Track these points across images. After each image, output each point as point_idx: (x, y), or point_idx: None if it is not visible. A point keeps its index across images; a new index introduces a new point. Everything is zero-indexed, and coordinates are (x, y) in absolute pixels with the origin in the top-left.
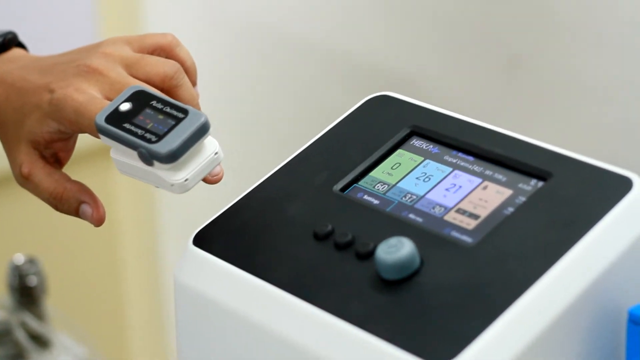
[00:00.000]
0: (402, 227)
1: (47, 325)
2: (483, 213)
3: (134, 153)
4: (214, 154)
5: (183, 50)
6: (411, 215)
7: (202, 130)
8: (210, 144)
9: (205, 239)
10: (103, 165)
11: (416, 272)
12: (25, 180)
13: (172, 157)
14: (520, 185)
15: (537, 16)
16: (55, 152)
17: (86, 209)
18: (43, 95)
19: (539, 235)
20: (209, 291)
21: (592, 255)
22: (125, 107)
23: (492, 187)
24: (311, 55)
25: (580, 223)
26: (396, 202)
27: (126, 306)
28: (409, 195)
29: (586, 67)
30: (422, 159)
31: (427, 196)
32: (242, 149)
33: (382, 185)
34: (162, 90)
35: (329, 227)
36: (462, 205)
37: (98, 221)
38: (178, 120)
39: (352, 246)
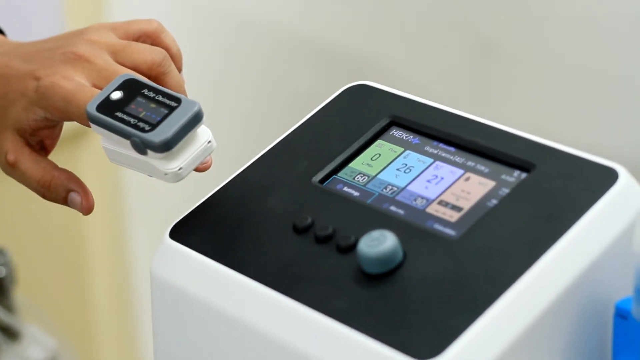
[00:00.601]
0: (383, 220)
1: (17, 317)
2: (466, 205)
3: (127, 142)
4: (207, 142)
5: (168, 37)
6: (392, 208)
7: (196, 119)
8: (203, 133)
9: (182, 232)
10: (69, 156)
11: (399, 266)
12: (11, 168)
13: (166, 146)
14: (503, 176)
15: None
16: (41, 139)
17: (75, 197)
18: (28, 82)
19: (523, 228)
20: (186, 285)
21: (578, 248)
22: (117, 95)
23: (474, 178)
24: (285, 43)
25: (566, 216)
26: (377, 194)
27: (95, 297)
28: (390, 187)
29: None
30: (403, 149)
31: (409, 188)
32: (217, 139)
33: (362, 176)
34: (149, 77)
35: (309, 220)
36: (444, 197)
37: (87, 209)
38: (171, 109)
39: (333, 239)
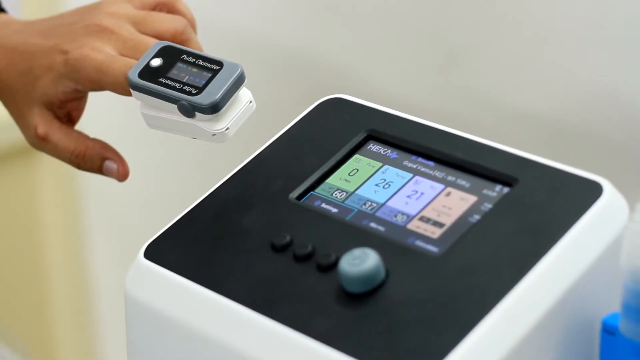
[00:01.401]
0: (364, 237)
1: None
2: (448, 221)
3: (172, 106)
4: (248, 102)
5: (182, 4)
6: (372, 224)
7: (240, 80)
8: (244, 94)
9: (157, 251)
10: (26, 166)
11: (381, 285)
12: (41, 142)
13: (215, 108)
14: (485, 191)
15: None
16: (68, 111)
17: (110, 165)
18: (55, 56)
19: (507, 244)
20: (162, 306)
21: (564, 264)
22: (157, 62)
23: (455, 193)
24: (256, 56)
25: (550, 231)
26: (356, 210)
27: (52, 308)
28: (369, 203)
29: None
30: (381, 164)
31: (388, 204)
32: (191, 155)
33: (340, 192)
34: None
35: (287, 238)
36: (425, 213)
37: (124, 176)
38: (214, 72)
39: (313, 258)
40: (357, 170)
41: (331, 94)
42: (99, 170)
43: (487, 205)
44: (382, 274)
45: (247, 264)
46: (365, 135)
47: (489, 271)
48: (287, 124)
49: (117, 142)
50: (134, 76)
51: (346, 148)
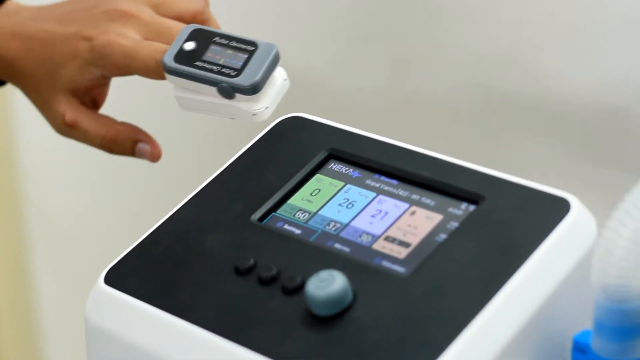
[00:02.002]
0: (329, 259)
1: None
2: (414, 240)
3: (210, 89)
4: (283, 80)
5: None
6: (337, 245)
7: (276, 60)
8: (278, 72)
9: (117, 277)
10: None
11: (349, 307)
12: (70, 129)
13: (256, 88)
14: (451, 209)
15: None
16: (93, 96)
17: (143, 147)
18: (78, 43)
19: (476, 263)
20: (124, 333)
21: (534, 282)
22: (190, 46)
23: (420, 212)
24: None
25: (519, 249)
26: (319, 231)
27: None
28: (333, 224)
29: None
30: (343, 183)
31: (352, 224)
32: (149, 176)
33: (302, 213)
34: None
35: (251, 261)
36: (390, 233)
37: (157, 157)
38: (250, 53)
39: (278, 281)
40: (319, 190)
41: (289, 112)
42: (131, 153)
43: (454, 224)
44: (350, 296)
45: (211, 288)
46: (326, 154)
47: (458, 291)
48: (246, 144)
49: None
50: (170, 61)
51: (307, 168)
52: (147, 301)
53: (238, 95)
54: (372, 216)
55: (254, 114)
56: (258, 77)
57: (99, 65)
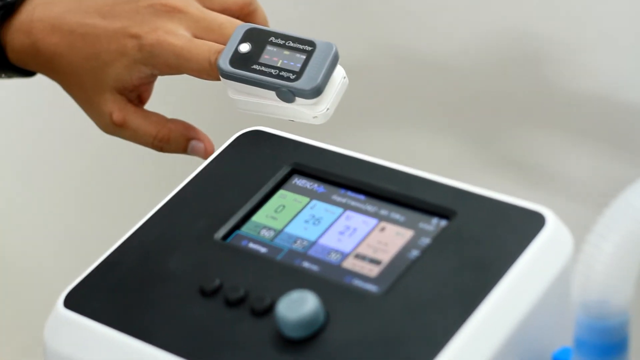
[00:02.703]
0: (298, 278)
1: None
2: (385, 258)
3: (269, 92)
4: (343, 78)
5: None
6: (305, 264)
7: (336, 59)
8: (337, 70)
9: (77, 300)
10: None
11: (322, 329)
12: (119, 128)
13: (317, 92)
14: (421, 225)
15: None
16: (139, 93)
17: (196, 144)
18: (125, 41)
19: (451, 280)
20: (85, 359)
21: (511, 300)
22: (245, 48)
23: (390, 228)
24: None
25: (495, 265)
26: (286, 249)
27: None
28: (300, 241)
29: None
30: (308, 199)
31: (320, 241)
32: (105, 195)
33: (267, 230)
34: (239, 18)
35: (217, 282)
36: (360, 250)
37: (210, 154)
38: (308, 54)
39: (246, 302)
40: (284, 206)
41: (245, 125)
42: (184, 151)
43: (425, 240)
44: (322, 317)
45: (176, 311)
46: (289, 169)
47: (434, 310)
48: (204, 160)
49: None
50: (225, 64)
51: (270, 183)
52: (110, 325)
53: (299, 99)
54: (341, 233)
55: (315, 117)
56: (319, 80)
57: (148, 64)
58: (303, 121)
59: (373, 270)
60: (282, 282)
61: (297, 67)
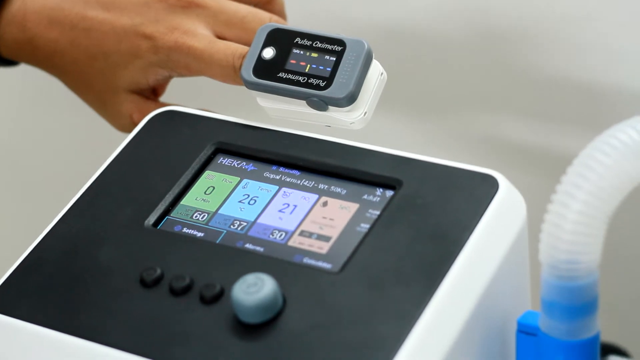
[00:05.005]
0: (244, 261)
1: None
2: (333, 233)
3: (299, 101)
4: (380, 74)
5: None
6: (248, 245)
7: (369, 59)
8: (373, 67)
9: (5, 301)
10: None
11: (280, 312)
12: None
13: (351, 99)
14: (366, 197)
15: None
16: (154, 88)
17: None
18: (139, 42)
19: (409, 253)
20: None
21: (475, 268)
22: (269, 53)
23: (333, 202)
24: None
25: (453, 233)
26: (224, 231)
27: None
28: (237, 223)
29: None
30: (239, 178)
31: (260, 221)
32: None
33: (200, 214)
34: (256, 6)
35: (158, 271)
36: (305, 227)
37: None
38: (338, 55)
39: (192, 290)
40: (214, 187)
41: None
42: None
43: (374, 212)
44: (281, 299)
45: (117, 305)
46: (213, 148)
47: (397, 284)
48: (116, 145)
49: None
50: (249, 75)
51: (195, 165)
52: (48, 325)
53: (332, 107)
54: (280, 211)
55: (352, 123)
56: (352, 86)
57: (166, 67)
58: (340, 127)
59: (323, 247)
60: (228, 267)
61: (326, 71)
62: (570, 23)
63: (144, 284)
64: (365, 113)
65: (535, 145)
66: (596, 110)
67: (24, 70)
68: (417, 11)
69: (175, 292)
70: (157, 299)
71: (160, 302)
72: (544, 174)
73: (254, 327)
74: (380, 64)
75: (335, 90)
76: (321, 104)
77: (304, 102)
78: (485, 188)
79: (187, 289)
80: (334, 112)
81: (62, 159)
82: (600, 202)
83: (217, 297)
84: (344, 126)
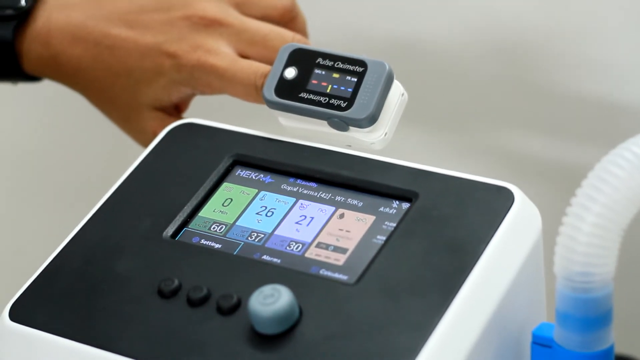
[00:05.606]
0: (261, 272)
1: None
2: (350, 245)
3: (320, 122)
4: (400, 95)
5: None
6: (265, 257)
7: (390, 80)
8: (394, 88)
9: (24, 311)
10: None
11: (297, 323)
12: None
13: (372, 120)
14: (382, 209)
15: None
16: (177, 105)
17: None
18: (161, 60)
19: (425, 264)
20: None
21: (490, 280)
22: (291, 73)
23: (349, 214)
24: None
25: (469, 245)
26: (242, 243)
27: None
28: (255, 234)
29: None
30: (256, 191)
31: (277, 233)
32: (30, 200)
33: (218, 225)
34: (279, 24)
35: (176, 282)
36: (322, 239)
37: None
38: (359, 76)
39: (210, 300)
40: (231, 199)
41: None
42: None
43: (390, 225)
44: (297, 310)
45: (135, 315)
46: (231, 160)
47: (413, 295)
48: (136, 157)
49: None
50: (271, 94)
51: (213, 177)
52: (65, 335)
53: (352, 128)
54: (297, 223)
55: (373, 143)
56: (372, 107)
57: (188, 86)
58: (361, 147)
59: (340, 259)
60: (245, 278)
61: (348, 92)
62: (587, 39)
63: (161, 294)
64: (385, 134)
65: (550, 158)
66: (611, 124)
67: (46, 83)
68: (436, 27)
69: (192, 303)
70: (175, 310)
71: (178, 312)
72: (559, 187)
73: (271, 338)
74: (396, 76)
75: (356, 111)
76: (342, 125)
77: (325, 122)
78: (501, 200)
79: (204, 300)
80: (354, 133)
81: (82, 171)
82: (615, 214)
83: (234, 308)
84: (365, 146)
